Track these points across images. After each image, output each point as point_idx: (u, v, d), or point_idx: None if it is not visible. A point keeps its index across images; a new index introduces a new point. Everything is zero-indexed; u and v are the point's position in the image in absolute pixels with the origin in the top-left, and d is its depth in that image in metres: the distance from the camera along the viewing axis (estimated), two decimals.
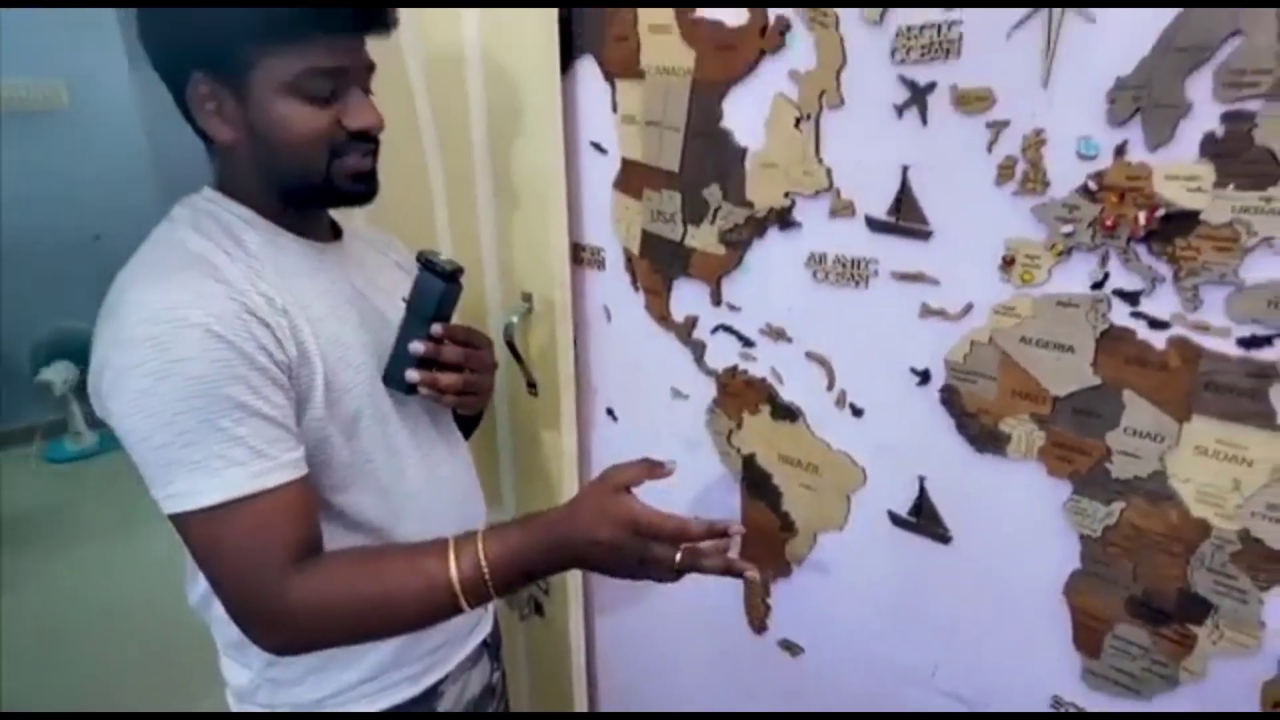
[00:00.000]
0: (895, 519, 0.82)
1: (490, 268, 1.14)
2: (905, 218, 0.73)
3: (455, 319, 0.84)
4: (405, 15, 0.77)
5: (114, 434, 0.68)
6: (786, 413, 0.89)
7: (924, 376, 0.76)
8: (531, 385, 1.13)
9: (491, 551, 0.71)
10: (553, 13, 0.93)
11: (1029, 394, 0.69)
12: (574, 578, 1.18)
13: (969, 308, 0.71)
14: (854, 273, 0.78)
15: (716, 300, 0.92)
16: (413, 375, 0.80)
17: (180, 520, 0.66)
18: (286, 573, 0.67)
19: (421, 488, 0.82)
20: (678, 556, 0.68)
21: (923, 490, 0.79)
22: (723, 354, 0.94)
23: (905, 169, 0.72)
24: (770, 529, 0.94)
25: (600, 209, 1.01)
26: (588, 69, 0.96)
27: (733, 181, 0.85)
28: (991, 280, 0.69)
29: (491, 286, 1.15)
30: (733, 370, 0.93)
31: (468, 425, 1.03)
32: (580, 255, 1.07)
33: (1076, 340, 0.65)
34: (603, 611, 1.25)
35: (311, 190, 0.76)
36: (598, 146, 0.99)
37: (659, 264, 0.96)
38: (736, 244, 0.87)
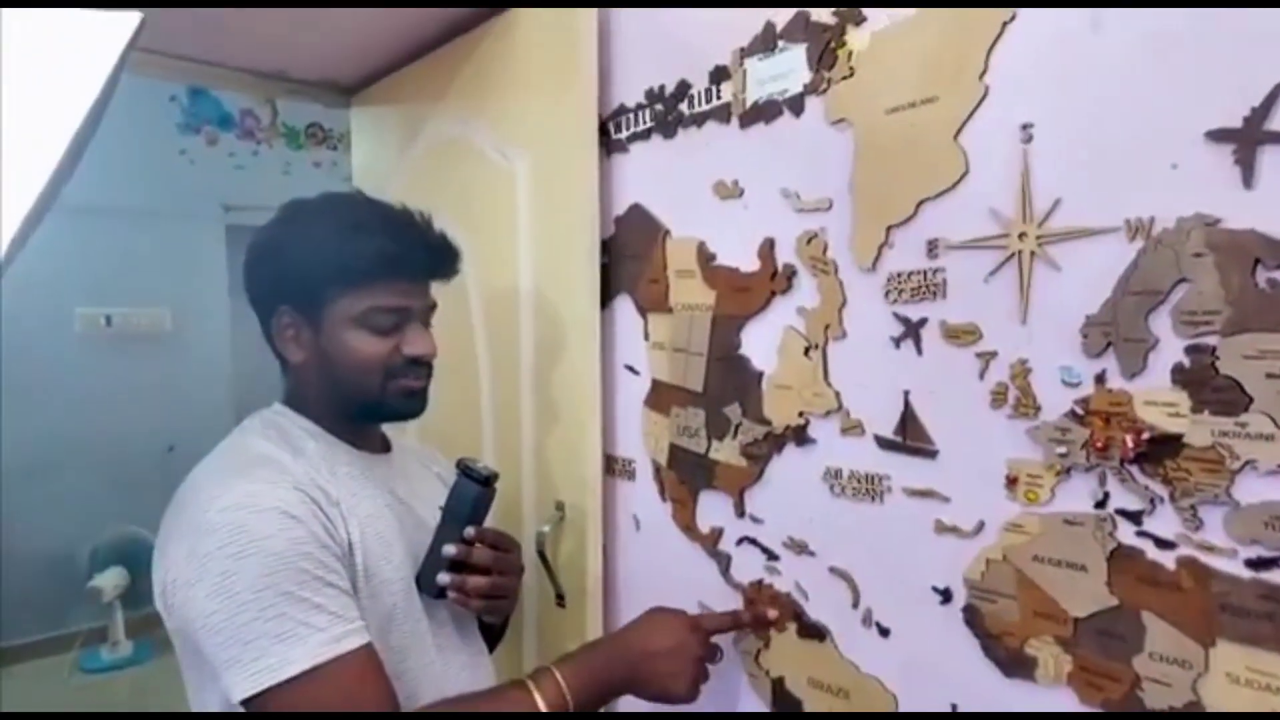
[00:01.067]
0: None
1: (528, 479, 1.20)
2: (911, 437, 0.78)
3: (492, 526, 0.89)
4: (468, 259, 0.92)
5: (150, 643, 0.72)
6: (814, 631, 0.87)
7: (945, 595, 0.76)
8: (560, 598, 1.14)
9: (567, 671, 0.79)
10: (595, 261, 1.07)
11: (1050, 614, 0.68)
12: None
13: (981, 525, 0.73)
14: (869, 488, 0.82)
15: (740, 512, 0.95)
16: (444, 578, 0.83)
17: (269, 697, 0.68)
18: None
19: (439, 694, 0.82)
20: (719, 654, 0.87)
21: (954, 710, 0.75)
22: (748, 566, 0.95)
23: (906, 393, 0.78)
24: None
25: (632, 424, 1.09)
26: (624, 305, 1.09)
27: (751, 401, 0.92)
28: (999, 498, 0.71)
29: (528, 496, 1.20)
30: (758, 584, 0.93)
31: (493, 637, 1.04)
32: (612, 466, 1.12)
33: (1088, 559, 0.65)
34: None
35: (367, 406, 0.86)
36: (631, 369, 1.08)
37: (685, 475, 1.01)
38: (757, 457, 0.92)
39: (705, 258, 0.97)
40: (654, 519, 1.07)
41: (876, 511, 0.81)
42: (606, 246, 1.10)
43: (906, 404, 0.78)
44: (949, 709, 0.76)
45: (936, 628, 0.76)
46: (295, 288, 0.83)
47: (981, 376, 0.72)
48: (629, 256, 1.07)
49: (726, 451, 0.96)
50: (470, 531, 0.85)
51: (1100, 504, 0.65)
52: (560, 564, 1.14)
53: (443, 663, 0.86)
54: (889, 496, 0.80)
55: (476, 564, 0.86)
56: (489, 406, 1.27)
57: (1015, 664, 0.71)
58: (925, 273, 0.75)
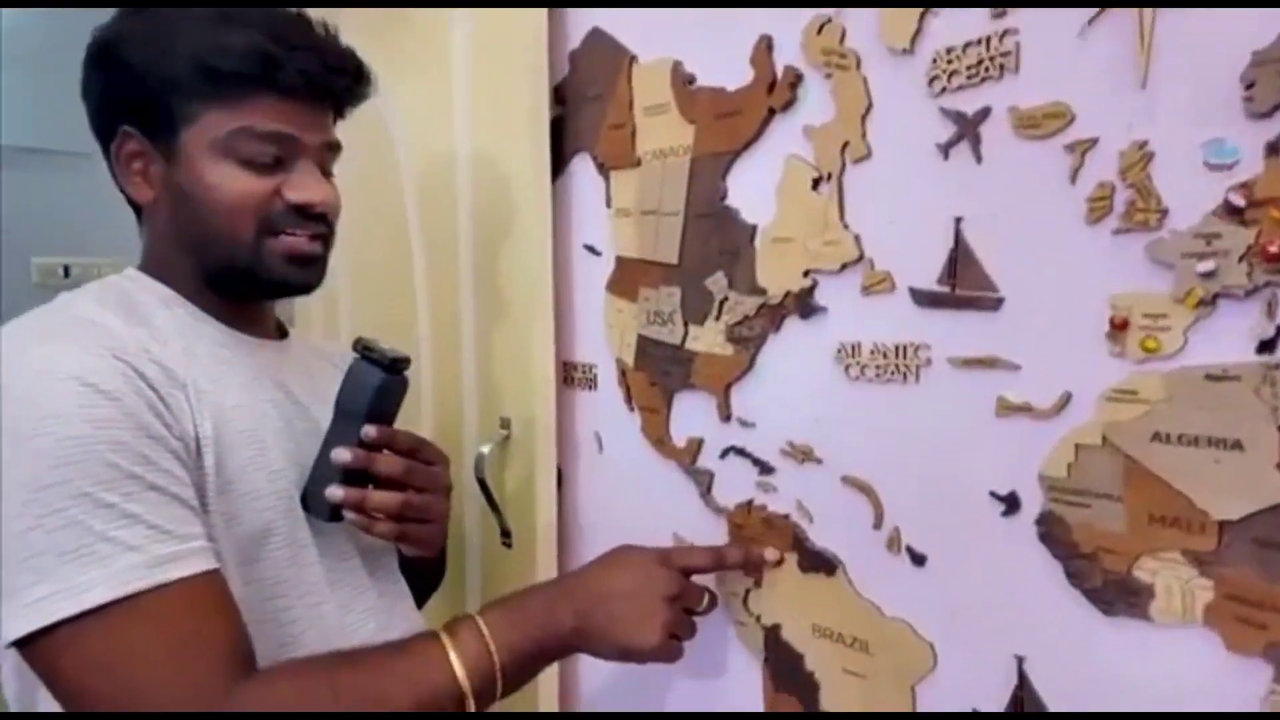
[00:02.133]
0: None
1: (470, 390, 0.98)
2: (964, 284, 0.55)
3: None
4: (400, 114, 0.69)
5: None
6: (820, 563, 0.65)
7: (1010, 503, 0.54)
8: (506, 535, 0.92)
9: (495, 620, 0.59)
10: (544, 113, 0.84)
11: (1178, 519, 0.46)
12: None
13: (1067, 399, 0.51)
14: (899, 364, 0.59)
15: (725, 415, 0.73)
16: (335, 493, 0.62)
17: (51, 641, 0.48)
18: (228, 687, 0.50)
19: (329, 644, 0.60)
20: (706, 596, 0.67)
21: (1023, 678, 0.53)
22: (735, 485, 0.73)
23: (958, 222, 0.55)
24: None
25: (593, 321, 0.86)
26: (582, 167, 0.86)
27: (740, 266, 0.69)
28: (1096, 355, 0.49)
29: (470, 412, 0.98)
30: (748, 506, 0.71)
31: (424, 585, 0.82)
32: (570, 374, 0.90)
33: (1244, 431, 0.43)
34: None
35: (238, 268, 0.64)
36: (591, 249, 0.85)
37: (657, 375, 0.79)
38: (747, 341, 0.70)
39: (682, 81, 0.73)
40: (619, 435, 0.85)
41: (910, 396, 0.59)
42: (559, 94, 0.87)
43: (958, 238, 0.55)
44: (1014, 662, 0.54)
45: (996, 549, 0.54)
46: (140, 100, 0.61)
47: (1073, 179, 0.49)
48: (587, 100, 0.84)
49: (708, 338, 0.73)
50: (370, 431, 0.63)
51: (1268, 345, 0.43)
52: (506, 494, 0.92)
53: (339, 606, 0.64)
54: (928, 373, 0.58)
55: (382, 475, 0.64)
56: (425, 303, 1.04)
57: (1119, 596, 0.49)
58: (988, 40, 0.52)
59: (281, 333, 0.75)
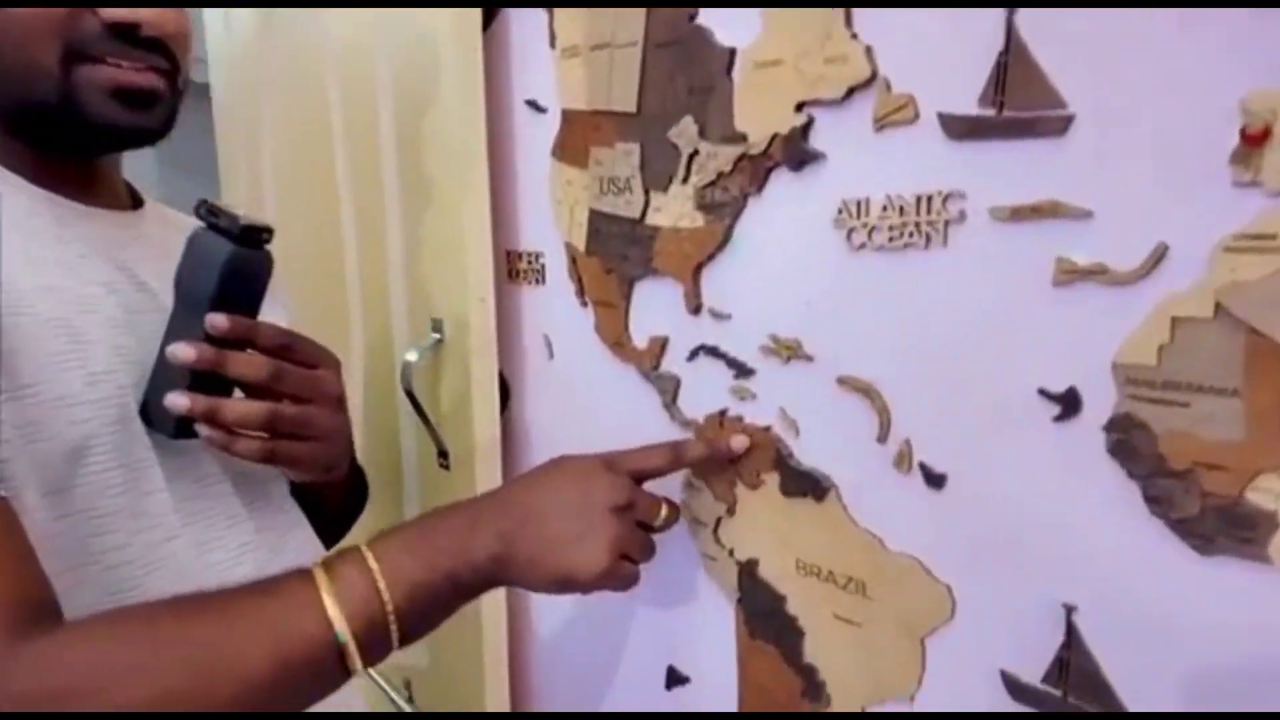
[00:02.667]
0: (1017, 687, 0.43)
1: (398, 290, 0.83)
2: (1014, 102, 0.39)
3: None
4: None
5: None
6: (808, 485, 0.52)
7: (1067, 403, 0.39)
8: (443, 455, 0.79)
9: (389, 551, 0.46)
10: None
11: None
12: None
13: (1162, 254, 0.36)
14: (921, 223, 0.44)
15: (694, 306, 0.58)
16: (177, 400, 0.47)
17: None
18: (8, 644, 0.38)
19: (184, 585, 0.47)
20: (664, 507, 0.53)
21: (1073, 634, 0.40)
22: (705, 392, 0.58)
23: (1010, 17, 0.39)
24: (786, 693, 0.55)
25: (538, 200, 0.70)
26: (522, 12, 0.68)
27: (714, 106, 0.53)
28: (1214, 186, 0.34)
29: (399, 317, 0.83)
30: (720, 417, 0.57)
31: (336, 518, 0.69)
32: (513, 266, 0.75)
33: None
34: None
35: (45, 109, 0.48)
36: (533, 105, 0.69)
37: (612, 259, 0.64)
38: (721, 208, 0.54)
39: None
40: (571, 337, 0.70)
41: (934, 265, 0.44)
42: None
43: (1009, 37, 0.39)
44: (1061, 612, 0.40)
45: (1043, 466, 0.40)
46: None
47: None
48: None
49: (673, 208, 0.58)
50: (218, 322, 0.48)
51: None
52: (441, 409, 0.78)
53: (195, 543, 0.51)
54: (960, 232, 0.43)
55: (245, 379, 0.49)
56: (347, 191, 0.88)
57: (1224, 528, 0.35)
58: None
59: (136, 202, 0.59)
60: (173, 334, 0.49)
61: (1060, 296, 0.39)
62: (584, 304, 0.68)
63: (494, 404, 0.74)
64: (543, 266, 0.72)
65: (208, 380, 0.48)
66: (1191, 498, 0.35)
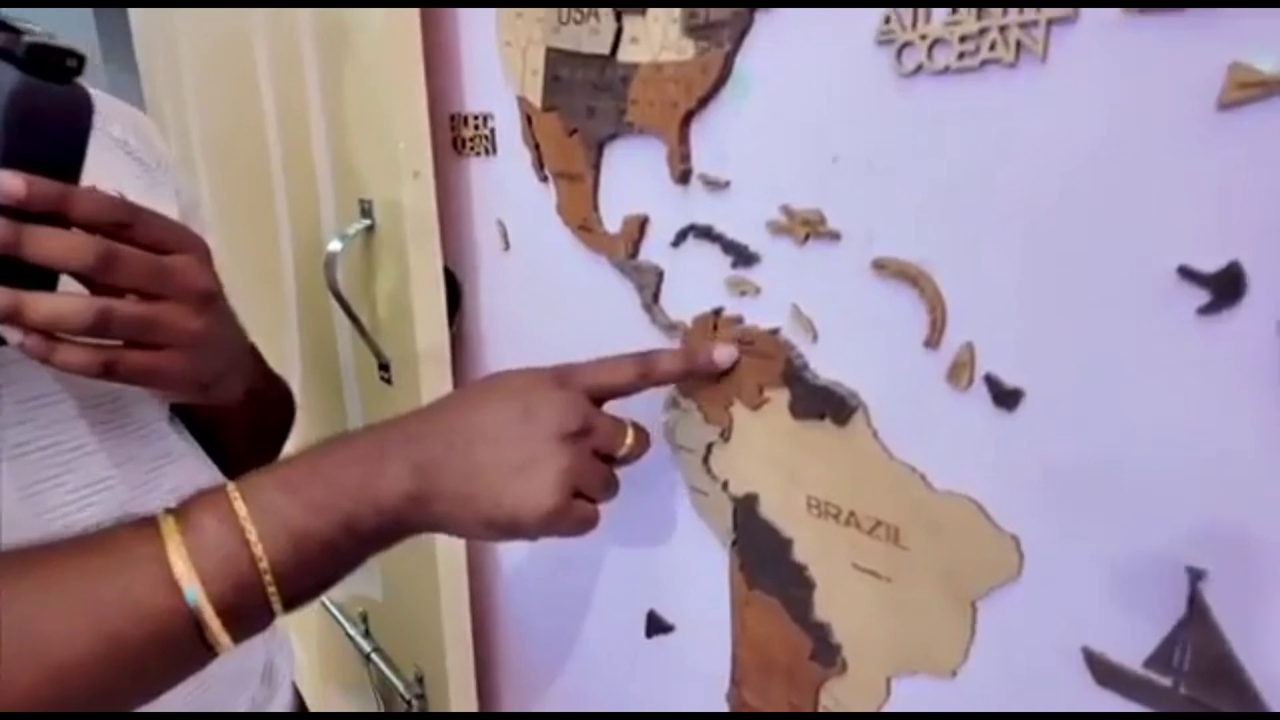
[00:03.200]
0: (1106, 670, 0.32)
1: (323, 168, 0.68)
2: None
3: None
4: None
5: None
6: (827, 403, 0.40)
7: (1224, 285, 0.27)
8: (383, 367, 0.66)
9: (263, 487, 0.35)
10: None
11: None
12: (459, 684, 0.70)
13: None
14: (1009, 26, 0.30)
15: (682, 172, 0.44)
16: None
17: None
18: None
19: (20, 536, 0.36)
20: (630, 432, 0.41)
21: (1198, 606, 0.29)
22: (696, 285, 0.46)
23: None
24: (790, 653, 0.45)
25: (484, 46, 0.55)
26: None
27: None
28: None
29: (326, 200, 0.69)
30: (715, 317, 0.45)
31: (251, 453, 0.57)
32: (458, 135, 0.60)
33: None
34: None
35: None
36: None
37: (577, 116, 0.49)
38: (717, 32, 0.40)
39: None
40: (530, 221, 0.57)
41: (1023, 88, 0.30)
42: None
43: None
44: (1183, 579, 0.29)
45: (1174, 372, 0.28)
46: None
47: None
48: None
49: (654, 35, 0.43)
50: (11, 184, 0.34)
51: None
52: (378, 311, 0.65)
53: (19, 485, 0.39)
54: (1063, 43, 0.29)
55: (52, 263, 0.36)
56: (264, 54, 0.72)
57: None
58: None
59: None
60: None
61: (1228, 122, 0.26)
62: (543, 178, 0.54)
63: (439, 304, 0.61)
64: (492, 131, 0.58)
65: (15, 269, 0.35)
66: None
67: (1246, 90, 0.25)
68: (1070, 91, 0.29)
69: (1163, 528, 0.30)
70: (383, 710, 0.83)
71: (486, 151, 0.59)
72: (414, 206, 0.58)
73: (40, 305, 0.35)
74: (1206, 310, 0.27)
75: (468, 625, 0.69)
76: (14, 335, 0.36)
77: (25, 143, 0.34)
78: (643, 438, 0.42)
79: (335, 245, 0.61)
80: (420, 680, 0.74)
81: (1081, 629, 0.33)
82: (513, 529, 0.38)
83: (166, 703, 0.36)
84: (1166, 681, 0.31)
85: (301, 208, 0.73)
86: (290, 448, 0.80)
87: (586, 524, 0.40)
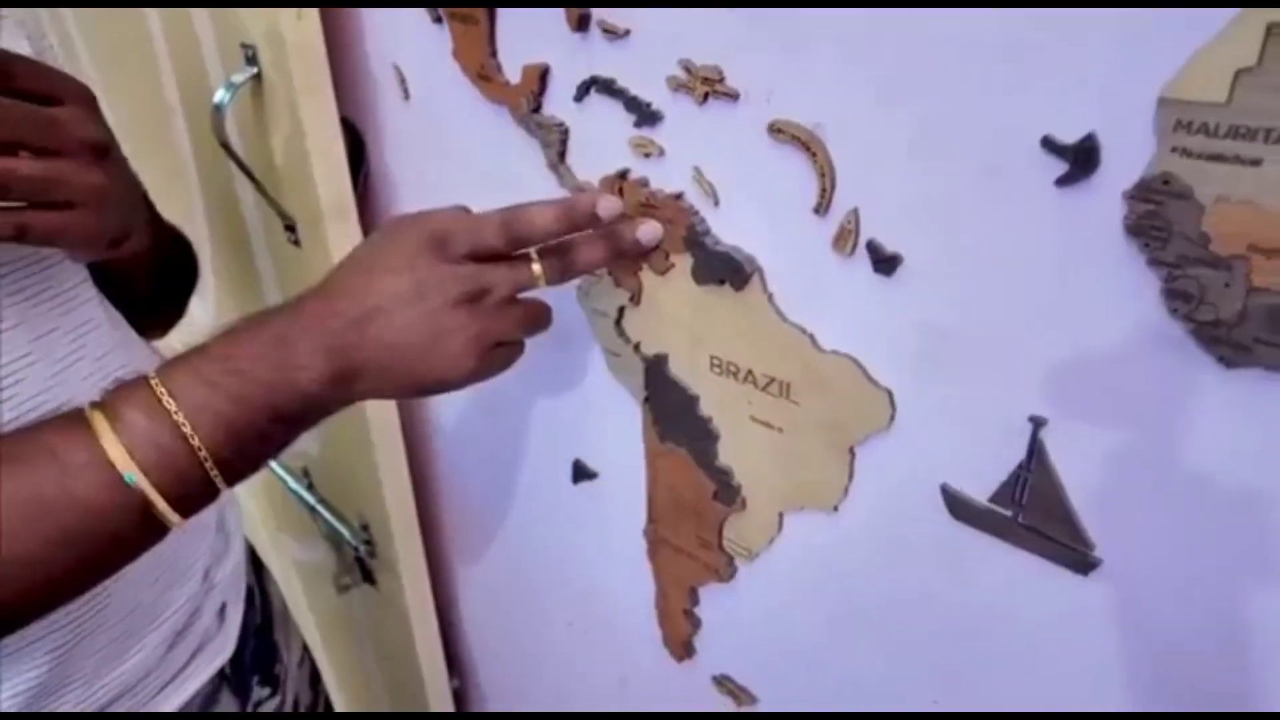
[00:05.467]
0: (959, 505, 0.37)
1: (200, 10, 0.62)
2: None
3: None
4: None
5: None
6: (726, 268, 0.41)
7: (1081, 157, 0.28)
8: (289, 228, 0.64)
9: (185, 377, 0.36)
10: None
11: None
12: (401, 525, 0.74)
13: None
14: None
15: (579, 18, 0.41)
16: None
17: None
18: None
19: None
20: (535, 267, 0.41)
21: (1037, 450, 0.33)
22: (601, 144, 0.45)
23: None
24: (696, 494, 0.49)
25: None
26: None
27: None
28: None
29: (208, 45, 0.63)
30: (620, 179, 0.44)
31: (159, 306, 0.56)
32: None
33: None
34: (460, 590, 0.83)
35: None
36: None
37: None
38: None
39: None
40: (428, 67, 0.53)
41: None
42: None
43: None
44: (1027, 427, 0.33)
45: (1032, 241, 0.30)
46: None
47: None
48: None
49: None
50: None
51: None
52: (277, 167, 0.62)
53: None
54: None
55: None
56: None
57: (1265, 334, 0.26)
58: None
59: None
60: None
61: (1093, 14, 0.26)
62: (437, 18, 0.50)
63: (340, 158, 0.58)
64: None
65: None
66: (1234, 293, 0.26)
67: None
68: None
69: (1013, 383, 0.33)
70: (337, 556, 0.88)
71: None
72: (302, 50, 0.54)
73: None
74: (1063, 181, 0.28)
75: (406, 478, 0.72)
76: None
77: None
78: (559, 261, 0.41)
79: (222, 95, 0.57)
80: (365, 528, 0.79)
81: (941, 470, 0.37)
82: (442, 388, 0.40)
83: (131, 567, 0.38)
84: (1008, 513, 0.35)
85: (182, 49, 0.66)
86: (204, 316, 0.79)
87: (510, 362, 0.42)
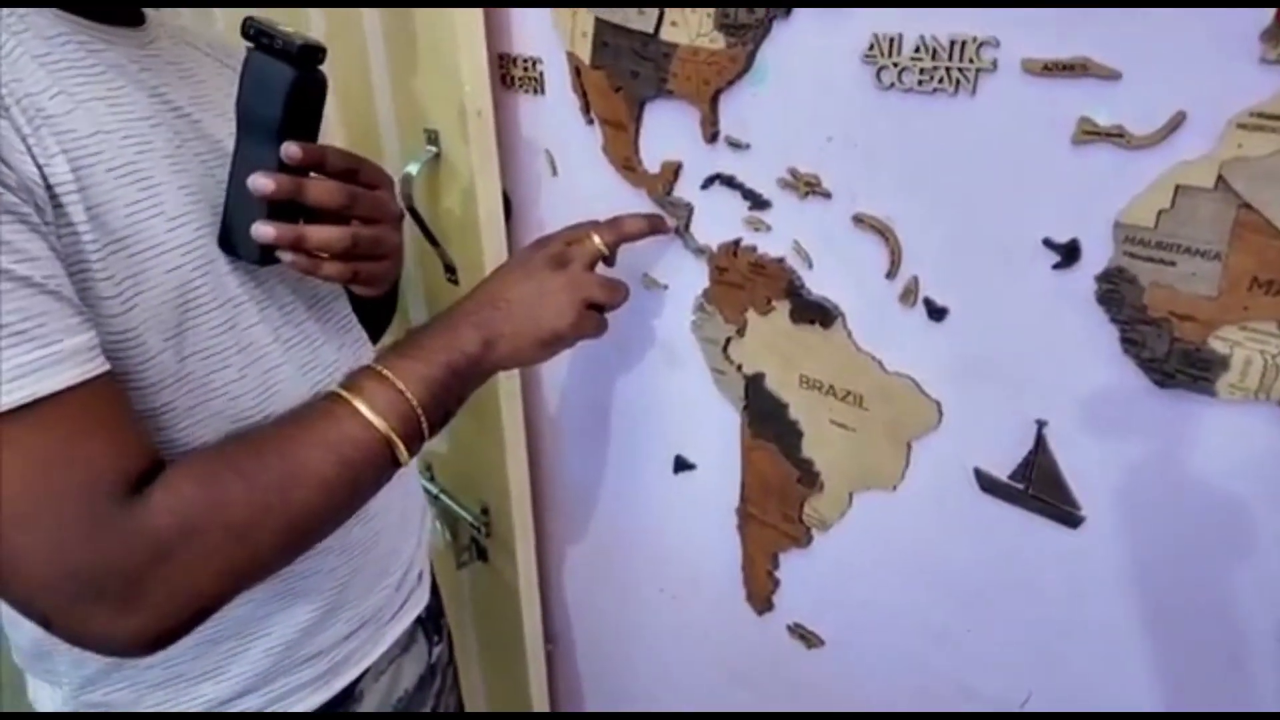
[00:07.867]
0: (987, 482, 0.52)
1: (384, 98, 0.79)
2: None
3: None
4: None
5: None
6: (816, 313, 0.57)
7: (1068, 253, 0.44)
8: (450, 270, 0.81)
9: (397, 364, 0.51)
10: None
11: None
12: (520, 509, 0.90)
13: (1178, 122, 0.38)
14: (952, 68, 0.44)
15: (712, 134, 0.58)
16: (263, 230, 0.48)
17: None
18: (113, 512, 0.40)
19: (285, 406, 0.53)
20: (596, 237, 0.61)
21: (1041, 442, 0.48)
22: (720, 220, 0.61)
23: None
24: (782, 480, 0.65)
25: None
26: None
27: None
28: (1239, 60, 0.35)
29: (388, 127, 0.80)
30: (734, 246, 0.60)
31: (374, 321, 0.72)
32: (507, 72, 0.71)
33: None
34: (561, 566, 0.98)
35: None
36: None
37: (621, 77, 0.62)
38: (744, 31, 0.53)
39: None
40: (576, 154, 0.70)
41: (959, 111, 0.45)
42: None
43: None
44: (1033, 426, 0.48)
45: (1037, 306, 0.46)
46: None
47: None
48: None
49: (691, 25, 0.55)
50: (293, 150, 0.47)
51: None
52: (443, 224, 0.79)
53: (298, 368, 0.55)
54: (989, 82, 0.43)
55: (319, 204, 0.50)
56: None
57: (1184, 366, 0.41)
58: None
59: (134, 16, 0.52)
60: (244, 163, 0.48)
61: (1077, 154, 0.42)
62: (589, 121, 0.67)
63: (499, 220, 0.75)
64: (540, 75, 0.69)
65: (283, 207, 0.49)
66: (1162, 341, 0.41)
67: (1088, 134, 0.41)
68: (987, 117, 0.44)
69: (1025, 395, 0.48)
70: (450, 540, 1.04)
71: (535, 91, 0.70)
72: (478, 140, 0.71)
73: (313, 235, 0.50)
74: (1057, 266, 0.44)
75: (525, 469, 0.88)
76: (287, 255, 0.50)
77: (295, 118, 0.47)
78: (604, 233, 0.61)
79: (412, 168, 0.74)
80: (485, 511, 0.95)
81: (974, 457, 0.52)
82: (556, 341, 0.57)
83: (367, 609, 0.54)
84: (1021, 486, 0.50)
85: (360, 131, 0.83)
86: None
87: (600, 327, 0.60)
